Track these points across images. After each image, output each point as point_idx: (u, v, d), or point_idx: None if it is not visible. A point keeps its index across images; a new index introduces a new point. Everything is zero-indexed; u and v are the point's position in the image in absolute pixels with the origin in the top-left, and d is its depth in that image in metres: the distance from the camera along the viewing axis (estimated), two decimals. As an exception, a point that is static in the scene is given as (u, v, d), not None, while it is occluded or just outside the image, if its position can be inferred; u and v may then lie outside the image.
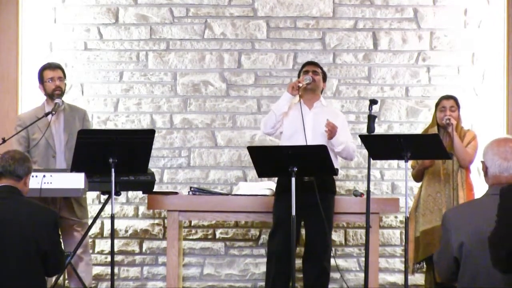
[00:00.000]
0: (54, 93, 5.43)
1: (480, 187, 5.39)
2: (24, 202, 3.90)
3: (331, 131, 5.21)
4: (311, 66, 5.51)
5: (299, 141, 5.21)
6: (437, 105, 5.55)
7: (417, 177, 5.58)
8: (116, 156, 4.72)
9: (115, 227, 4.87)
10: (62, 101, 5.45)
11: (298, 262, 5.39)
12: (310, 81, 5.33)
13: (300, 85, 5.27)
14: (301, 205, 4.90)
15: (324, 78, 5.55)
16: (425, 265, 5.49)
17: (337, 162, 5.39)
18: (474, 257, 3.27)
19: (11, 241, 3.76)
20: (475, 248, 3.26)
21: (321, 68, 5.56)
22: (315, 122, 5.33)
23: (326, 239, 5.21)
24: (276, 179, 5.46)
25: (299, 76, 5.50)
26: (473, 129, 5.74)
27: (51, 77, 5.44)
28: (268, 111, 5.65)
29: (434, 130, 5.46)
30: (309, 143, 5.18)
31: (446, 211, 3.58)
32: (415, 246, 5.41)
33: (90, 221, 5.48)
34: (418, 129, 6.25)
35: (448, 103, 5.49)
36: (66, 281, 5.62)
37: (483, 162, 3.44)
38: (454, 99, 5.53)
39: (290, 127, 5.36)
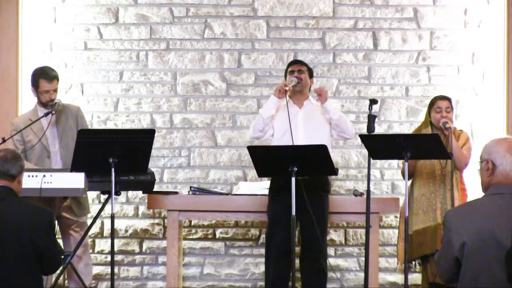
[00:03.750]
0: (47, 104, 5.38)
1: (473, 188, 5.38)
2: (20, 203, 3.89)
3: (321, 93, 5.27)
4: (296, 66, 5.48)
5: (289, 142, 5.19)
6: (431, 104, 5.51)
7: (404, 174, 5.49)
8: (116, 156, 4.73)
9: (115, 227, 4.87)
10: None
11: (297, 262, 5.39)
12: (296, 82, 5.32)
13: (287, 88, 5.26)
14: (296, 204, 4.90)
15: (311, 74, 5.52)
16: (419, 264, 5.49)
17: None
18: (475, 257, 3.26)
19: (8, 242, 3.75)
20: (477, 248, 3.25)
21: (307, 65, 5.52)
22: (306, 119, 5.34)
23: (320, 238, 5.20)
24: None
25: (285, 77, 5.48)
26: (473, 129, 5.73)
27: (47, 90, 5.37)
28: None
29: (428, 130, 5.44)
30: (304, 142, 5.17)
31: (447, 211, 3.56)
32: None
33: (89, 221, 5.48)
34: (418, 129, 6.26)
35: (444, 104, 5.46)
36: (66, 281, 5.62)
37: (489, 160, 3.38)
38: (449, 100, 5.51)
39: (281, 128, 5.34)
